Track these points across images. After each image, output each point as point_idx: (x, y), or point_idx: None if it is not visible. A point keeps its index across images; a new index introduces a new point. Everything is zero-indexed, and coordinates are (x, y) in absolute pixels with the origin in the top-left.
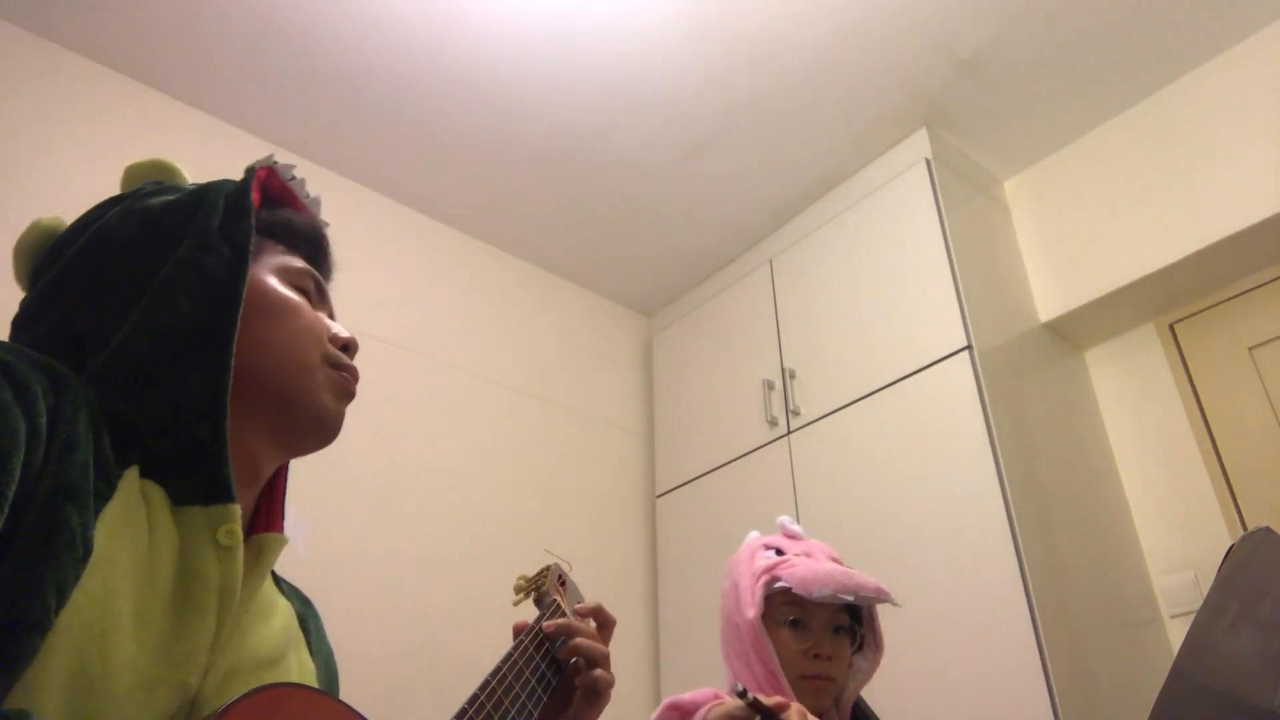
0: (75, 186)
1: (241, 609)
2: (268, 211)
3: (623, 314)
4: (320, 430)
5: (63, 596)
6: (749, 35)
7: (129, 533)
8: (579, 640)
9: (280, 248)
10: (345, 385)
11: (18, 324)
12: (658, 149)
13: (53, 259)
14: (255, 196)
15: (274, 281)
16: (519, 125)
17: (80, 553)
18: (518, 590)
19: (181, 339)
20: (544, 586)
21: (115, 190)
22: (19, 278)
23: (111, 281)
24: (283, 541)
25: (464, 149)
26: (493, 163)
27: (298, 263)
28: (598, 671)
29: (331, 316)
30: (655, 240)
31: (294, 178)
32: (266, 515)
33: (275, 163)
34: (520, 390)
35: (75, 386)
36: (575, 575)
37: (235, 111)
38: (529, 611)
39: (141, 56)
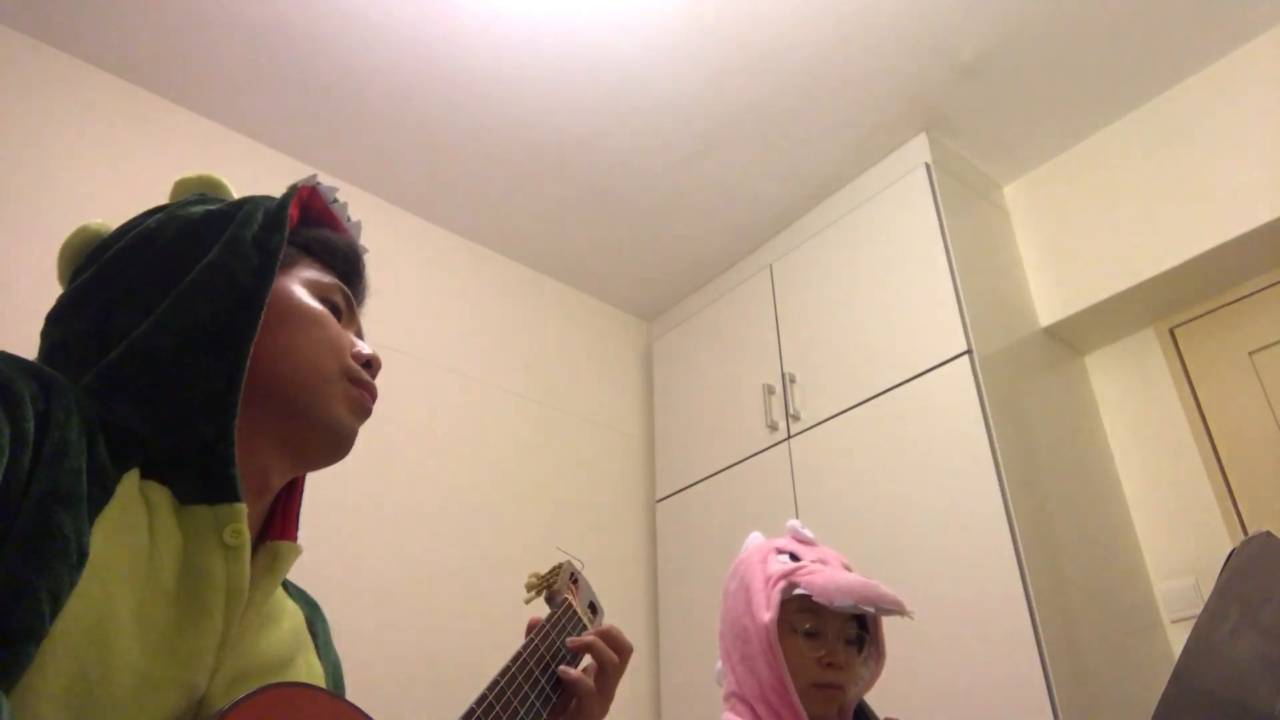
0: (76, 190)
1: (251, 611)
2: (306, 228)
3: (623, 319)
4: (332, 443)
5: (57, 603)
6: (749, 40)
7: (128, 536)
8: (572, 676)
9: (315, 263)
10: (362, 402)
11: (51, 318)
12: (658, 154)
13: (92, 259)
14: (294, 213)
15: (301, 291)
16: (519, 130)
17: (75, 559)
18: (529, 588)
19: (198, 340)
20: (556, 585)
21: (110, 191)
22: (60, 276)
23: (143, 284)
24: (298, 551)
25: (464, 153)
26: (493, 167)
27: (329, 278)
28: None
29: (359, 336)
30: (655, 245)
31: (336, 200)
32: (282, 523)
33: (318, 183)
34: (520, 395)
35: (66, 392)
36: None
37: (236, 116)
38: (540, 610)
39: (142, 61)
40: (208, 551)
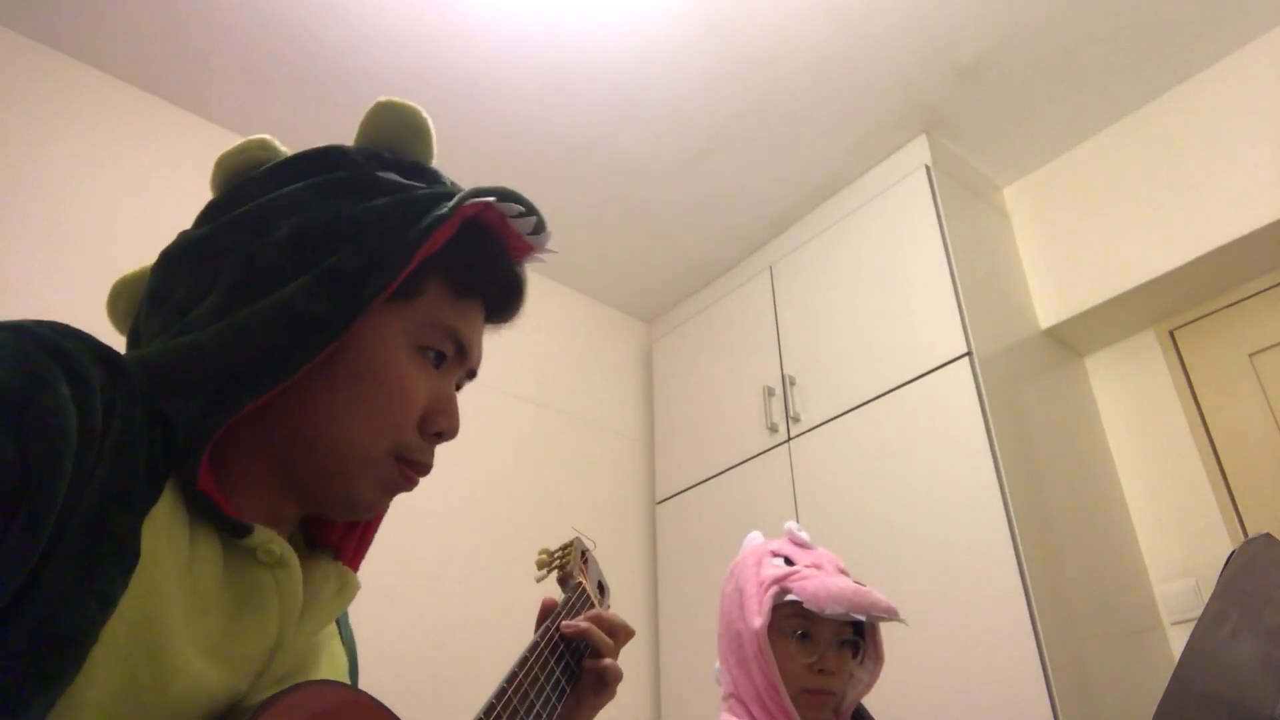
0: (75, 192)
1: (306, 626)
2: (459, 245)
3: (623, 320)
4: (346, 513)
5: (108, 607)
6: (749, 42)
7: (173, 537)
8: (602, 665)
9: (450, 290)
10: (400, 485)
11: (162, 264)
12: (658, 156)
13: (225, 206)
14: (445, 233)
15: (396, 343)
16: (519, 132)
17: (128, 561)
18: (540, 565)
19: (233, 372)
20: (568, 564)
21: (109, 192)
22: (211, 186)
23: (234, 282)
24: (358, 588)
25: (464, 155)
26: (493, 170)
27: (449, 319)
28: (609, 680)
29: (471, 373)
30: (656, 247)
31: (522, 214)
32: (355, 549)
33: (492, 199)
34: (520, 397)
35: (131, 379)
36: None
37: (234, 117)
38: (551, 588)
39: (140, 62)
40: (249, 564)
